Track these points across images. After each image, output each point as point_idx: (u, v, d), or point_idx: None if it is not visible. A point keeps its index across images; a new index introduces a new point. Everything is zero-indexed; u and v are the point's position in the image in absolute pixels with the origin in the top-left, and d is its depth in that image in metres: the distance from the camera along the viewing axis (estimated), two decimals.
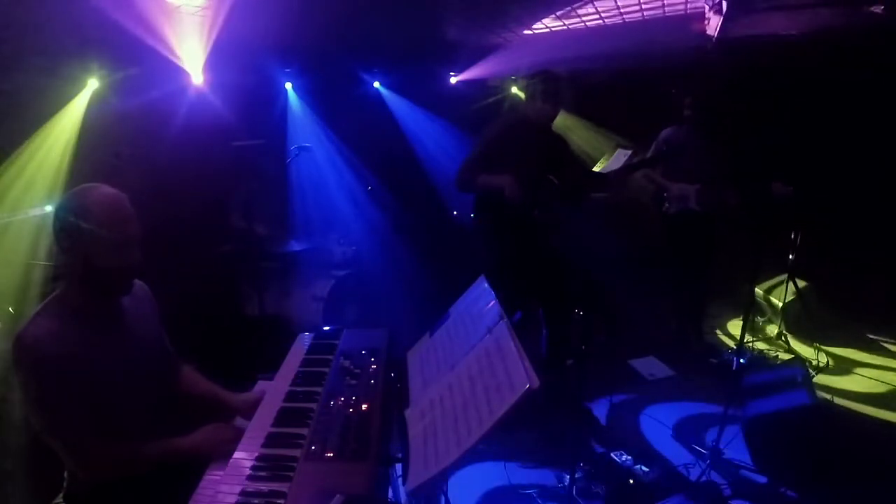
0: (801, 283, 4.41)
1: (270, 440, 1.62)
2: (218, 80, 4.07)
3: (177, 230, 3.73)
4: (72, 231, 1.53)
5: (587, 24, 4.73)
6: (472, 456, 1.30)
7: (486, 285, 1.88)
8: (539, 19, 4.63)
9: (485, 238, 3.43)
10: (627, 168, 3.72)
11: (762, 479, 2.88)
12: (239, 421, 1.86)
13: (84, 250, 1.55)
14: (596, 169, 3.92)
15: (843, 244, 4.91)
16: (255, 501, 1.37)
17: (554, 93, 3.20)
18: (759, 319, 4.80)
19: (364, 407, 1.72)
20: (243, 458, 1.55)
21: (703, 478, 2.83)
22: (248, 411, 1.79)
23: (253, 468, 1.50)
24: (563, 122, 6.02)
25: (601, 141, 6.11)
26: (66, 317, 1.56)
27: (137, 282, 1.76)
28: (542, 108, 3.21)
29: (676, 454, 3.08)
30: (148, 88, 3.68)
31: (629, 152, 4.05)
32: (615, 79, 5.64)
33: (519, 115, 3.30)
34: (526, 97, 3.35)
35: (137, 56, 3.53)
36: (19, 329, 1.52)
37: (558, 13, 4.40)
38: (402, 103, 5.98)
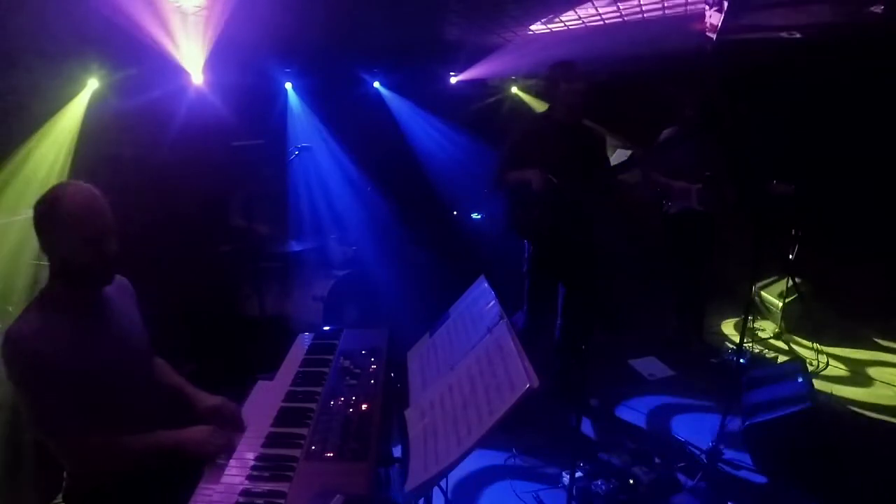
0: (801, 284, 4.41)
1: (270, 440, 1.63)
2: (218, 80, 4.06)
3: (177, 230, 3.72)
4: (45, 228, 1.57)
5: (587, 24, 4.73)
6: (473, 455, 1.30)
7: (486, 285, 1.88)
8: (539, 19, 4.63)
9: (517, 231, 3.43)
10: (627, 162, 3.72)
11: (762, 479, 2.88)
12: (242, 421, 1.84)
13: (58, 246, 1.58)
14: None
15: (844, 244, 4.91)
16: (255, 501, 1.37)
17: (577, 79, 3.09)
18: (760, 319, 4.80)
19: (364, 407, 1.72)
20: (243, 457, 1.55)
21: (703, 478, 2.83)
22: (209, 417, 1.76)
23: (253, 468, 1.50)
24: None
25: None
26: (50, 312, 1.58)
27: (118, 276, 1.76)
28: (567, 93, 3.10)
29: (676, 454, 3.08)
30: (148, 88, 3.67)
31: (629, 153, 4.04)
32: (615, 79, 5.63)
33: (543, 115, 3.29)
34: (550, 94, 3.25)
35: (137, 56, 3.52)
36: (8, 326, 1.55)
37: (558, 13, 4.40)
38: (402, 103, 5.98)
